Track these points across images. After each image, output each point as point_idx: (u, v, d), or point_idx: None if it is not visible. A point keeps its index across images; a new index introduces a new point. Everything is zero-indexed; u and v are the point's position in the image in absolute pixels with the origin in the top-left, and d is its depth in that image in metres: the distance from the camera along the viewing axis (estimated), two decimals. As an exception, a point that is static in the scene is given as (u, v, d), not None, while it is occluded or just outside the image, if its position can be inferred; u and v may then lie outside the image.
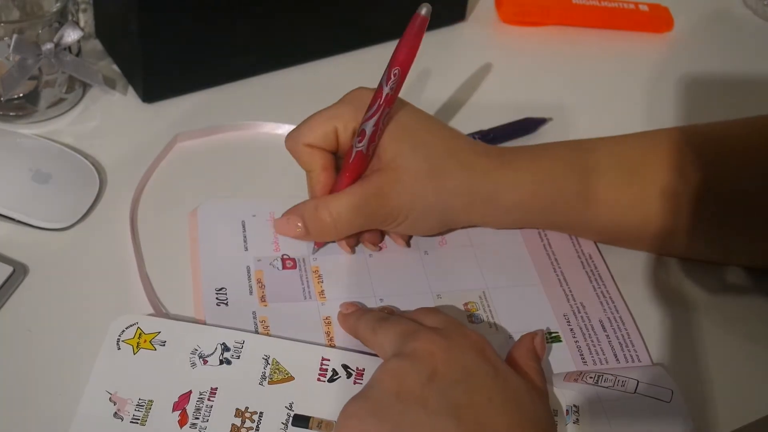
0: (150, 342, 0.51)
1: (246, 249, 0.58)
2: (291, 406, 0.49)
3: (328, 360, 0.51)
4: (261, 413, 0.48)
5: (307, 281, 0.56)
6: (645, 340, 0.55)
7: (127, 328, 0.51)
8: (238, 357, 0.51)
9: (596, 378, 0.51)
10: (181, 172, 0.63)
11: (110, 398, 0.48)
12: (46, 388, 0.49)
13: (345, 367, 0.51)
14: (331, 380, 0.50)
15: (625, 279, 0.59)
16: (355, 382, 0.50)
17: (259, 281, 0.56)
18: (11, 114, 0.64)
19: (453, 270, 0.58)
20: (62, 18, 0.63)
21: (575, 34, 0.82)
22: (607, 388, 0.51)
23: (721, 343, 0.56)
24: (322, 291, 0.56)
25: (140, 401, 0.48)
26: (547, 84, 0.76)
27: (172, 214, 0.60)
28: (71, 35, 0.63)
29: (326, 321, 0.54)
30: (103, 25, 0.71)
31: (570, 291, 0.58)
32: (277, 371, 0.50)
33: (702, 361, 0.55)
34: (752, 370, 0.55)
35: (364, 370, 0.51)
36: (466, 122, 0.69)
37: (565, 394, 0.51)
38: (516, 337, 0.54)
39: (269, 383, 0.50)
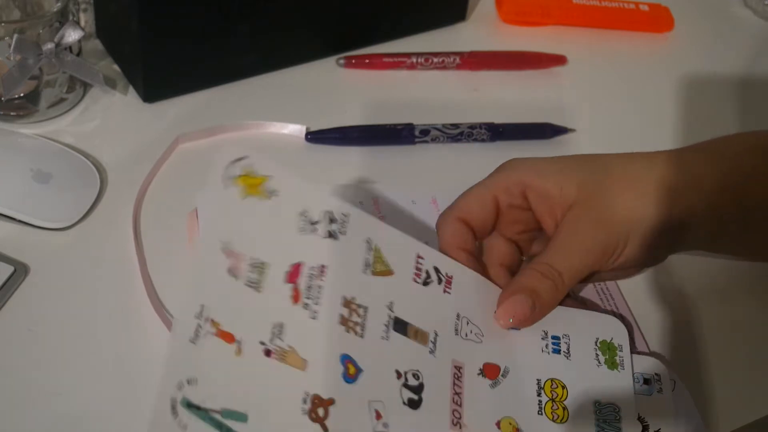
0: (258, 188, 0.46)
1: None
2: (391, 306, 0.48)
3: (423, 258, 0.50)
4: (366, 308, 0.47)
5: None
6: (646, 339, 0.55)
7: (234, 162, 0.46)
8: (344, 233, 0.48)
9: None
10: (182, 172, 0.63)
11: (223, 250, 0.44)
12: (46, 389, 0.49)
13: (436, 270, 0.50)
14: (425, 283, 0.50)
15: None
16: (444, 290, 0.50)
17: None
18: (12, 114, 0.64)
19: None
20: (63, 18, 0.63)
21: (575, 34, 0.82)
22: None
23: (721, 343, 0.56)
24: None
25: (254, 261, 0.45)
26: (546, 84, 0.76)
27: (173, 213, 0.60)
28: (72, 35, 0.63)
29: None
30: (103, 24, 0.71)
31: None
32: (379, 261, 0.49)
33: (702, 361, 0.55)
34: (752, 370, 0.55)
35: (452, 277, 0.50)
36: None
37: (642, 364, 0.51)
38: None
39: (372, 273, 0.48)
